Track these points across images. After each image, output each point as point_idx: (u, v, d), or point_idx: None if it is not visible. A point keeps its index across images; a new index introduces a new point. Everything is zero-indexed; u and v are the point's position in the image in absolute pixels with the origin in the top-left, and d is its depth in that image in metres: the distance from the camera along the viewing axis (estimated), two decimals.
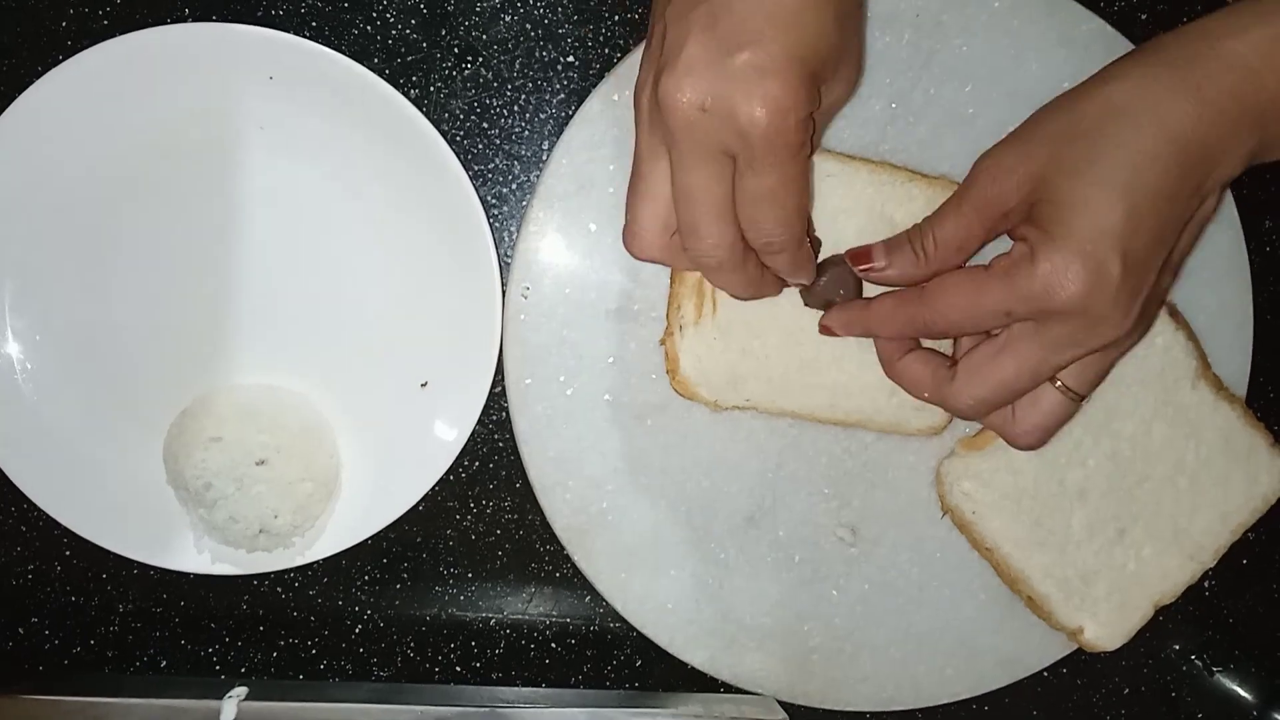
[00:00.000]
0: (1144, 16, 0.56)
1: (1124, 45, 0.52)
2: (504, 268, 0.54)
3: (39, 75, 0.51)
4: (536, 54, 0.54)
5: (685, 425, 0.53)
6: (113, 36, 0.51)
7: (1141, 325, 0.44)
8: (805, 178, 0.42)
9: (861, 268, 0.48)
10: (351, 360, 0.55)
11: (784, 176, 0.41)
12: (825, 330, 0.50)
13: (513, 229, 0.55)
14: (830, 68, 0.41)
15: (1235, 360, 0.55)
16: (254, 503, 0.51)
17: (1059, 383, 0.46)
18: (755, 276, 0.45)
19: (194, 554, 0.54)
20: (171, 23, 0.52)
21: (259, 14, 0.53)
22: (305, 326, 0.55)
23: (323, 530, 0.55)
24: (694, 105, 0.39)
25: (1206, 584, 0.59)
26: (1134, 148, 0.41)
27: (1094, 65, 0.51)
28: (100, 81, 0.51)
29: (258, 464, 0.52)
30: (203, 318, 0.54)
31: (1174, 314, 0.53)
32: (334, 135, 0.53)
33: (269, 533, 0.52)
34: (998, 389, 0.45)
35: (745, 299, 0.48)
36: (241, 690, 0.50)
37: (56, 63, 0.51)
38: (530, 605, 0.58)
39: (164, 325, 0.54)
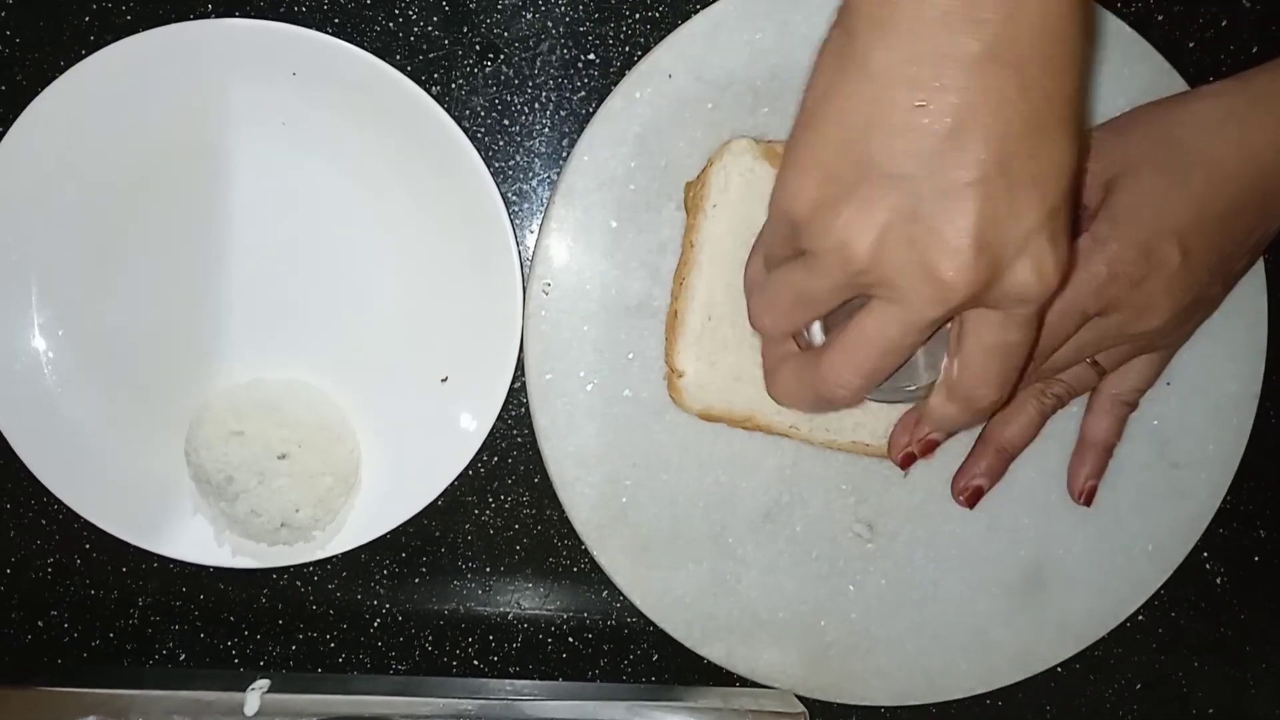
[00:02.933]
0: (1160, 18, 0.56)
1: (1141, 45, 0.53)
2: (525, 264, 0.54)
3: (62, 71, 0.51)
4: (558, 51, 0.55)
5: (704, 421, 0.54)
6: (135, 32, 0.51)
7: (1186, 327, 0.48)
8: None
9: None
10: (372, 355, 0.55)
11: (1031, 335, 0.38)
12: (921, 449, 0.51)
13: (534, 225, 0.56)
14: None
15: (1249, 360, 0.55)
16: (275, 496, 0.52)
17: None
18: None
19: (215, 547, 0.55)
20: (194, 19, 0.52)
21: (281, 10, 0.54)
22: (326, 321, 0.55)
23: (343, 524, 0.55)
24: (971, 249, 0.33)
25: (1218, 580, 0.60)
26: (1218, 160, 0.44)
27: (1110, 64, 0.53)
28: (123, 77, 0.51)
29: (279, 458, 0.52)
30: (225, 312, 0.54)
31: None
32: (356, 131, 0.53)
33: (290, 526, 0.53)
34: (1075, 358, 0.49)
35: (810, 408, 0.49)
36: (264, 682, 0.51)
37: (79, 58, 0.51)
38: (548, 600, 0.58)
39: (186, 319, 0.54)
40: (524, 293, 0.53)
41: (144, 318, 0.54)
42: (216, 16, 0.53)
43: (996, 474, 0.54)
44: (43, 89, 0.51)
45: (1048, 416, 0.52)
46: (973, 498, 0.54)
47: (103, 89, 0.51)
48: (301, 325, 0.55)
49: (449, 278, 0.54)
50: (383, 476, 0.55)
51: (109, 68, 0.51)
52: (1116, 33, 0.53)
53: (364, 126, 0.53)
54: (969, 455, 0.54)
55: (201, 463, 0.52)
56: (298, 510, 0.52)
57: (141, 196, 0.53)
